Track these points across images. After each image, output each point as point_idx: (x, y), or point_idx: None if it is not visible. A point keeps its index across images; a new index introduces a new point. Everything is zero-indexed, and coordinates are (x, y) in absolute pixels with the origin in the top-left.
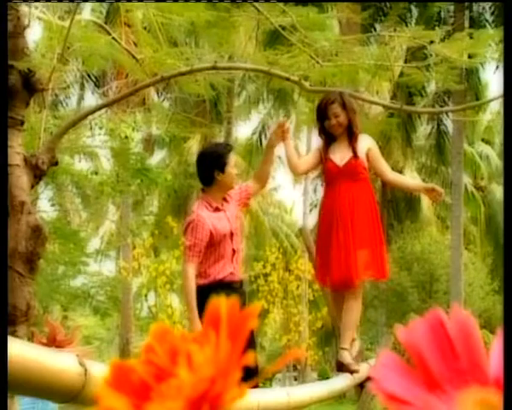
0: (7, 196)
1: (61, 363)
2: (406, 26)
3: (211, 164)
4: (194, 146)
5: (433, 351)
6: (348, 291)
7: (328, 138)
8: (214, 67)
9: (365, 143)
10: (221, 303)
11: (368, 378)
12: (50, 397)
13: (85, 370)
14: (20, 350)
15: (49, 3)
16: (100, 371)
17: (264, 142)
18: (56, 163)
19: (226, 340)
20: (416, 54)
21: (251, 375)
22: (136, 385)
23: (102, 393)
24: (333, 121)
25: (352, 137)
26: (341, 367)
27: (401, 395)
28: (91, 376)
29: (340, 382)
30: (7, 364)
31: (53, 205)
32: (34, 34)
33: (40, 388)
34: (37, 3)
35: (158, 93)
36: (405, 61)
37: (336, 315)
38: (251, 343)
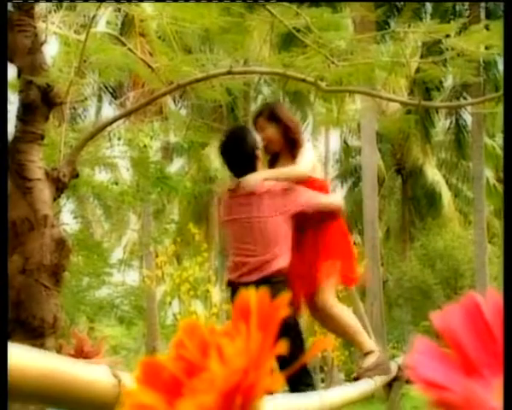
0: (6, 194)
1: (93, 375)
2: (421, 20)
3: (251, 144)
4: (212, 152)
5: (469, 336)
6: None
7: (272, 158)
8: (230, 72)
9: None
10: (250, 295)
11: (396, 377)
12: None
13: (119, 381)
14: (52, 363)
15: (65, 18)
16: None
17: None
18: (77, 175)
19: (257, 331)
20: (431, 49)
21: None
22: (168, 382)
23: (134, 390)
24: (260, 135)
25: (293, 150)
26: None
27: (439, 381)
28: (125, 386)
29: (370, 382)
30: (7, 367)
31: (75, 217)
32: (51, 49)
33: (73, 401)
34: (53, 19)
35: (174, 101)
36: (421, 57)
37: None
38: (301, 346)
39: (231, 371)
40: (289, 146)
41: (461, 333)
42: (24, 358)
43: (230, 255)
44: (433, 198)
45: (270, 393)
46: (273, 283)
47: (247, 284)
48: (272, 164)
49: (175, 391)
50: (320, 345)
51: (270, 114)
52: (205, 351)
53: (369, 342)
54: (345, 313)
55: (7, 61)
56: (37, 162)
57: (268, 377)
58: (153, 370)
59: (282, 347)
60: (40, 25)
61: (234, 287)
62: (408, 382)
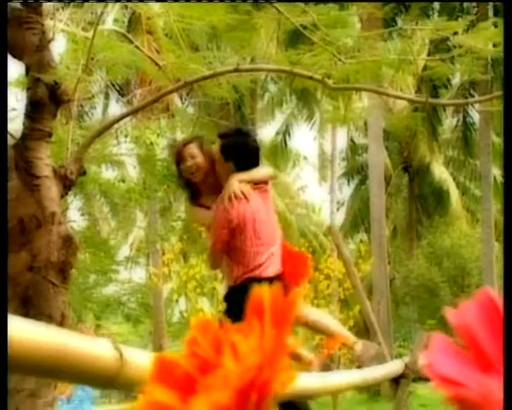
0: (6, 194)
1: (95, 348)
2: (428, 18)
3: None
4: None
5: (485, 332)
6: None
7: (193, 190)
8: (237, 70)
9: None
10: (263, 291)
11: (403, 375)
12: (89, 383)
13: (121, 354)
14: (55, 337)
15: (73, 15)
16: (134, 355)
17: (289, 142)
18: (84, 173)
19: (271, 328)
20: (439, 46)
21: None
22: (181, 379)
23: (148, 388)
24: (189, 162)
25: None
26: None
27: (455, 378)
28: (127, 360)
29: (375, 372)
30: (7, 364)
31: (82, 215)
32: (59, 47)
33: (76, 374)
34: (61, 16)
35: (181, 99)
36: (429, 54)
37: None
38: None
39: (245, 368)
40: (213, 178)
41: (476, 329)
42: (27, 331)
43: (258, 254)
44: (440, 196)
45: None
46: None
47: (271, 279)
48: (195, 194)
49: (188, 388)
50: (335, 341)
51: (202, 143)
52: (218, 348)
53: (349, 334)
54: (316, 318)
55: (7, 60)
56: (45, 160)
57: (283, 374)
58: (166, 367)
59: (296, 344)
60: (48, 22)
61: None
62: (415, 380)
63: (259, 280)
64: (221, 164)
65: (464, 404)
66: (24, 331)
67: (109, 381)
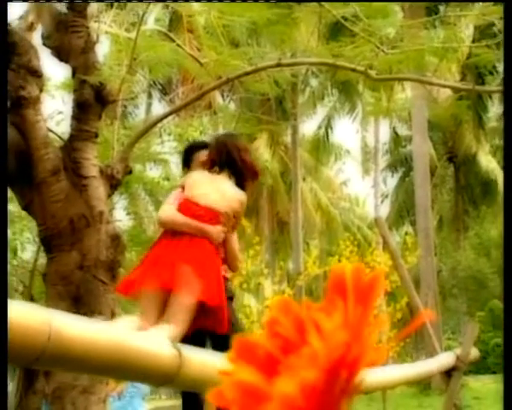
0: (6, 195)
1: (155, 347)
2: (472, 3)
3: None
4: (261, 145)
5: None
6: None
7: None
8: (279, 65)
9: None
10: (345, 269)
11: (454, 367)
12: (148, 381)
13: (180, 353)
14: (117, 336)
15: (116, 17)
16: (192, 354)
17: (331, 136)
18: (130, 172)
19: (355, 305)
20: (484, 32)
21: None
22: (263, 359)
23: (232, 369)
24: None
25: None
26: None
27: None
28: (185, 358)
29: (428, 365)
30: (6, 363)
31: (128, 214)
32: (103, 48)
33: (138, 371)
34: (105, 19)
35: (223, 95)
36: (474, 41)
37: None
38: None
39: (332, 346)
40: None
41: None
42: (90, 330)
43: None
44: (487, 186)
45: (374, 366)
46: None
47: None
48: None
49: (271, 369)
50: (422, 318)
51: None
52: (300, 328)
53: None
54: None
55: (7, 60)
56: (92, 160)
57: (372, 350)
58: (248, 349)
59: (384, 320)
60: (92, 25)
61: None
62: (465, 373)
63: None
64: None
65: None
66: (84, 331)
67: (168, 379)
